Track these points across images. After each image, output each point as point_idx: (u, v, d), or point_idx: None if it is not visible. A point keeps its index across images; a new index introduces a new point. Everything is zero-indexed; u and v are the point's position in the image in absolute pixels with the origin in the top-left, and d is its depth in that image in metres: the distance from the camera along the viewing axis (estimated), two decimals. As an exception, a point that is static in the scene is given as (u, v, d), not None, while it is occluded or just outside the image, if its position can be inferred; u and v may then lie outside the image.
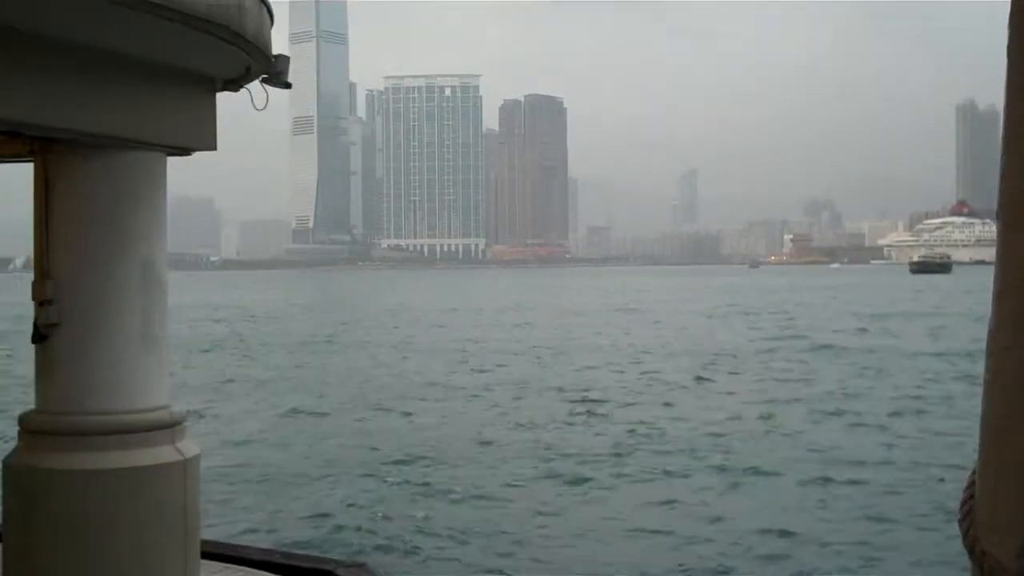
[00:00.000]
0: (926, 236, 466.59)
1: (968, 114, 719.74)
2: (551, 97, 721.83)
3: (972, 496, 1.83)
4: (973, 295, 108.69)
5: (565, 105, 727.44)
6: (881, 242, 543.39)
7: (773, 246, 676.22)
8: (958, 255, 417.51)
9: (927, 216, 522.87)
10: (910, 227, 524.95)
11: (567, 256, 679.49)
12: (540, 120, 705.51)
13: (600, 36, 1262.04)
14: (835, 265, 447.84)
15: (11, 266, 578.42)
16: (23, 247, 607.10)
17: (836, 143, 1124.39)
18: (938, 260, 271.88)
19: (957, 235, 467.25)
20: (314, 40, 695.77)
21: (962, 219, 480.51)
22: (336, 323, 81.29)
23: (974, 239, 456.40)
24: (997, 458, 1.78)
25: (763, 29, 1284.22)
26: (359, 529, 17.48)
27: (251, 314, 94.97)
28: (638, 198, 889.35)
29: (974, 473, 1.86)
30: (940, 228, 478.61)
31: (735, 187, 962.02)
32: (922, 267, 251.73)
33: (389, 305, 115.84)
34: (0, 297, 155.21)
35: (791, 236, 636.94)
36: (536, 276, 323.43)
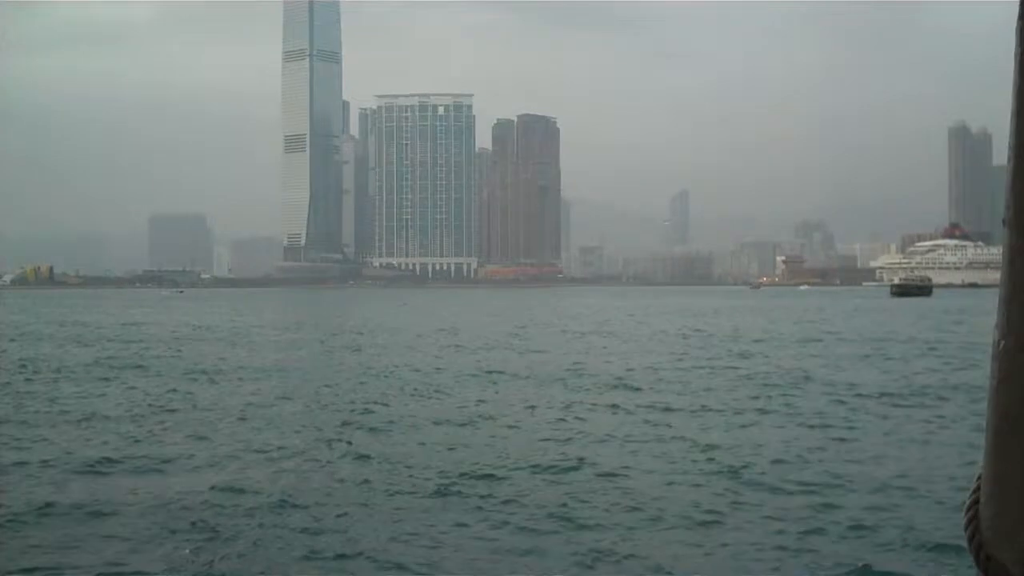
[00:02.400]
0: (918, 258, 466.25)
1: (960, 137, 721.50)
2: (544, 117, 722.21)
3: (977, 501, 1.96)
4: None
5: (558, 125, 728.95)
6: (873, 264, 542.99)
7: (765, 267, 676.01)
8: (950, 277, 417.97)
9: (919, 238, 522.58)
10: (902, 249, 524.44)
11: (559, 276, 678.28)
12: (533, 140, 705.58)
13: (593, 56, 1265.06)
14: (803, 287, 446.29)
15: (0, 282, 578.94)
16: (12, 262, 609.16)
17: (829, 165, 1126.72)
18: (918, 283, 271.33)
19: (949, 257, 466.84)
20: (307, 59, 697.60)
21: (954, 242, 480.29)
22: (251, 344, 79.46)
23: (966, 262, 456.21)
24: (1002, 463, 1.91)
25: (755, 51, 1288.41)
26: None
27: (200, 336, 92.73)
28: (630, 218, 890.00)
29: (979, 478, 1.99)
30: (932, 251, 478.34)
31: (727, 208, 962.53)
32: (903, 290, 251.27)
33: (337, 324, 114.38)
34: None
35: (783, 258, 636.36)
36: (526, 296, 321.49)
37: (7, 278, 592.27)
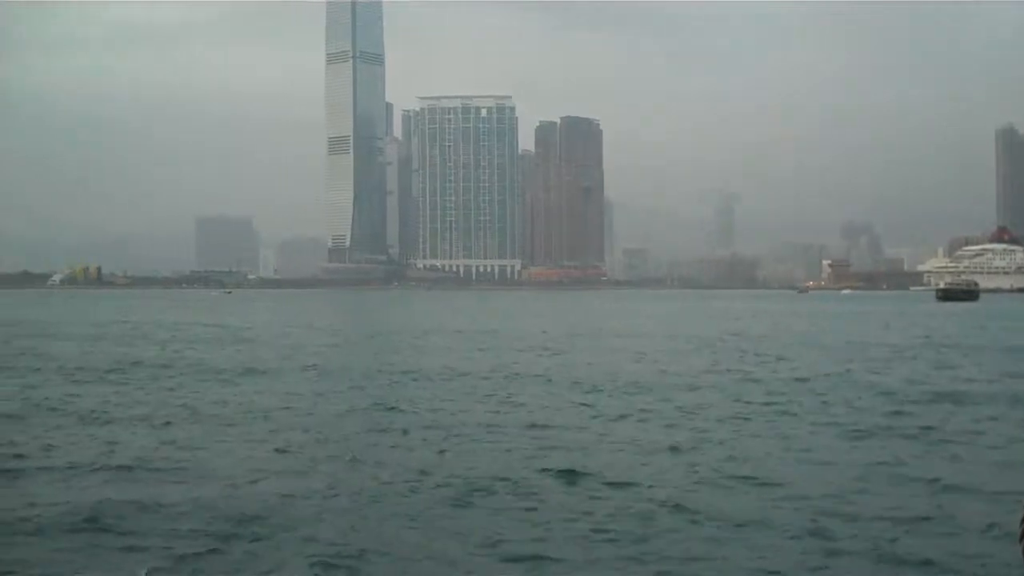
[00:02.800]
0: (966, 263, 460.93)
1: (1008, 139, 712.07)
2: (587, 119, 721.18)
3: None
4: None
5: (601, 127, 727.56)
6: (920, 268, 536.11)
7: (811, 271, 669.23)
8: (999, 282, 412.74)
9: (967, 242, 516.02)
10: (950, 253, 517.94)
11: (603, 278, 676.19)
12: (576, 142, 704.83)
13: (638, 57, 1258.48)
14: (846, 291, 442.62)
15: (50, 281, 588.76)
16: (62, 263, 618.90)
17: (875, 167, 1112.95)
18: (964, 287, 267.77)
19: (998, 262, 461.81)
20: (351, 60, 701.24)
21: (1002, 246, 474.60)
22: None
23: (1015, 266, 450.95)
24: None
25: (799, 51, 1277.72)
26: None
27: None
28: (674, 220, 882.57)
29: None
30: (980, 255, 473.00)
31: (772, 210, 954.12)
32: (948, 294, 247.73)
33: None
34: (36, 313, 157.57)
35: (829, 261, 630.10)
36: (569, 298, 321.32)
37: (56, 278, 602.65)
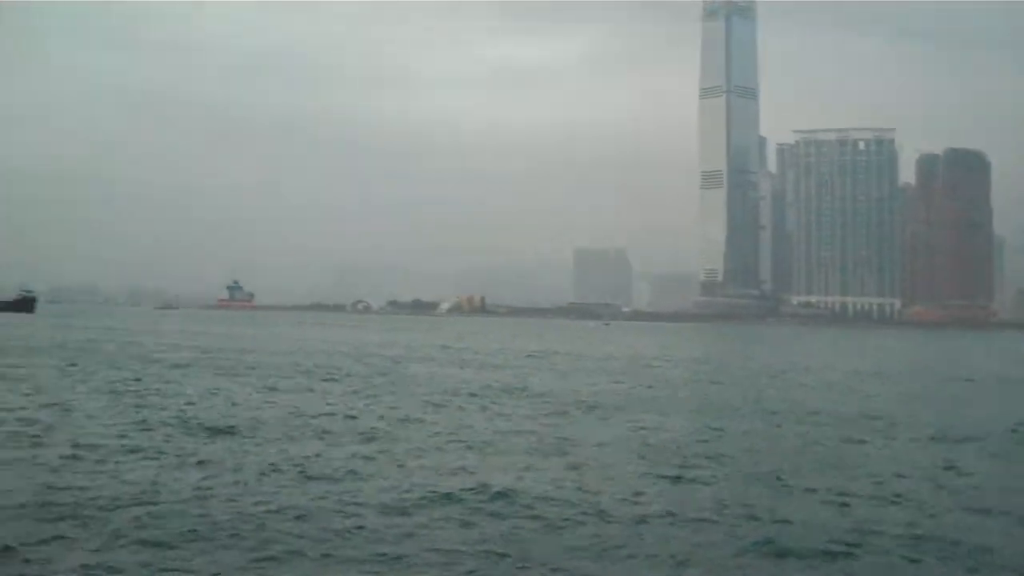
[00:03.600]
0: None
1: None
2: (972, 151, 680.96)
3: None
4: None
5: (989, 159, 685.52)
6: None
7: None
8: None
9: None
10: None
11: (992, 319, 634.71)
12: (960, 174, 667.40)
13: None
14: None
15: (438, 309, 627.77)
16: (453, 292, 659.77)
17: None
18: None
19: None
20: (724, 95, 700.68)
21: None
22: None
23: None
24: None
25: None
26: None
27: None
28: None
29: None
30: None
31: None
32: None
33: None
34: (410, 337, 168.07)
35: None
36: (951, 339, 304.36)
37: (444, 307, 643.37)
